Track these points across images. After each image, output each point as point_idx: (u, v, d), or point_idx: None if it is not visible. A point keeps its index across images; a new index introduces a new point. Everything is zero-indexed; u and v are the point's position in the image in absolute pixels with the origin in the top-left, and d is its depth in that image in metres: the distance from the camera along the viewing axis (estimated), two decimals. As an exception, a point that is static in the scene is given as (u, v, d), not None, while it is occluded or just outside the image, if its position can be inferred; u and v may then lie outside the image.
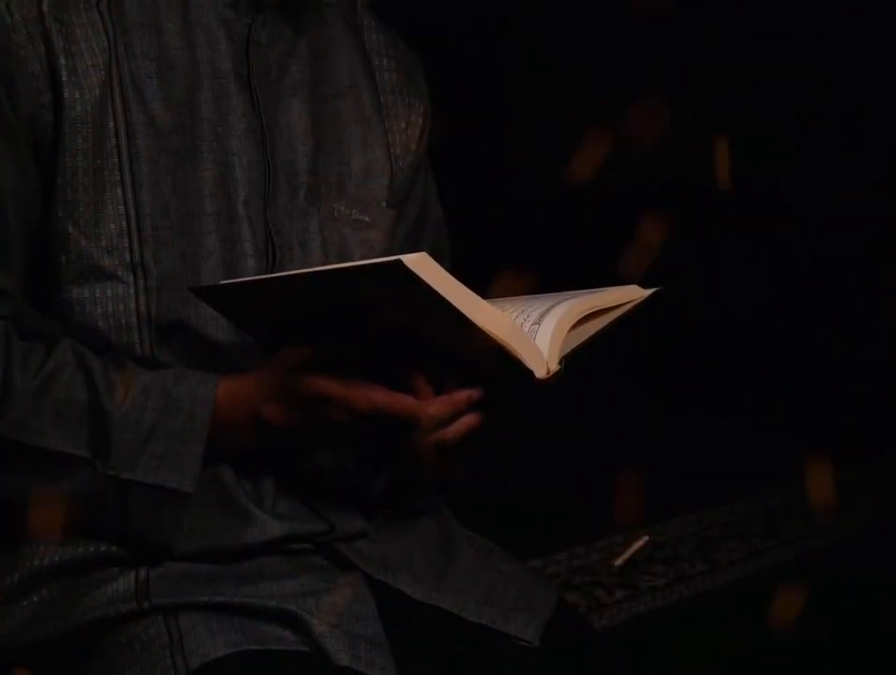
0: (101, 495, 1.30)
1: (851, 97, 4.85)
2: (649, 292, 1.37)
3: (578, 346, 1.31)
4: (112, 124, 1.33)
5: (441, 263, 1.17)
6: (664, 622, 2.93)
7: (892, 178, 4.82)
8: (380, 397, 1.25)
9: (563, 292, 1.35)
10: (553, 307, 1.30)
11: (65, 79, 1.31)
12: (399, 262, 1.13)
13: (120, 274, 1.33)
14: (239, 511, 1.37)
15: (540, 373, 1.25)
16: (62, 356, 1.31)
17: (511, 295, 1.39)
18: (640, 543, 1.28)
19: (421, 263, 1.14)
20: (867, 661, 2.71)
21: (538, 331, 1.27)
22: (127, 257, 1.33)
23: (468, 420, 1.29)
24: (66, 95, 1.31)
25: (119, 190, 1.33)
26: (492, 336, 1.21)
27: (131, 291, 1.34)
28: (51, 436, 1.29)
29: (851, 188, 4.81)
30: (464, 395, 1.27)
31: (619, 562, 1.29)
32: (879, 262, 4.81)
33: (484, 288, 1.22)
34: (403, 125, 1.53)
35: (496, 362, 1.24)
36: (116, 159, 1.33)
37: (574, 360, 1.31)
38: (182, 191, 1.36)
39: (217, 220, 1.37)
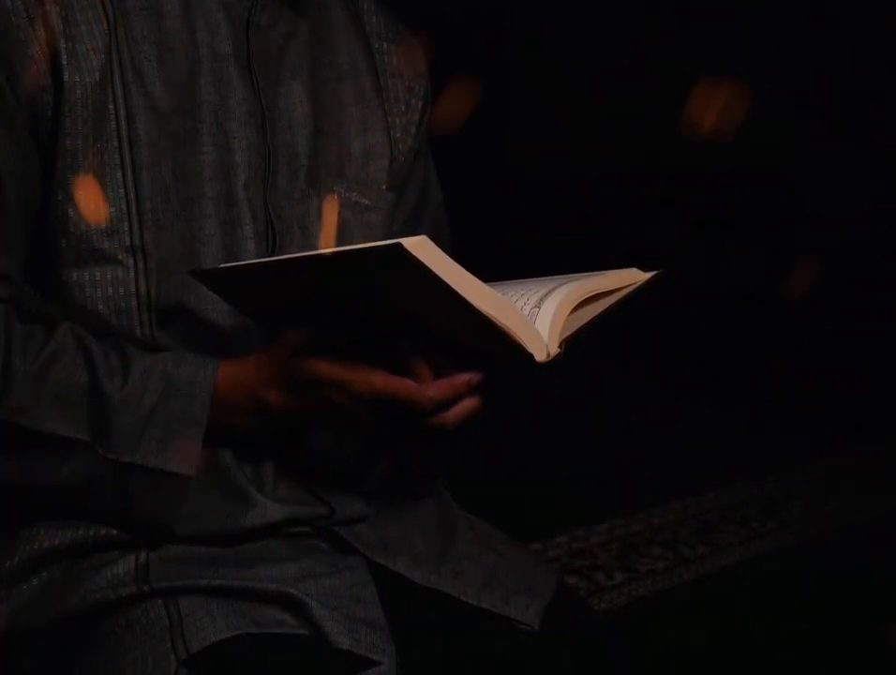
0: (101, 478, 1.30)
1: (853, 84, 4.85)
2: (648, 275, 1.37)
3: (578, 329, 1.31)
4: (112, 107, 1.33)
5: (441, 246, 1.17)
6: (664, 606, 2.94)
7: (894, 165, 4.82)
8: (380, 380, 1.25)
9: (563, 276, 1.35)
10: (553, 290, 1.30)
11: (65, 62, 1.31)
12: (399, 246, 1.12)
13: (120, 257, 1.33)
14: (239, 494, 1.37)
15: (540, 357, 1.25)
16: (62, 340, 1.31)
17: (511, 279, 1.39)
18: None
19: (421, 246, 1.14)
20: (865, 645, 2.72)
21: (538, 314, 1.27)
22: (127, 240, 1.33)
23: (467, 404, 1.29)
24: (66, 78, 1.31)
25: (119, 174, 1.33)
26: (492, 319, 1.21)
27: (131, 274, 1.34)
28: (50, 419, 1.29)
29: (853, 176, 4.81)
30: (464, 378, 1.27)
31: None
32: (880, 249, 4.81)
33: (484, 271, 1.22)
34: (403, 107, 1.53)
35: (496, 345, 1.24)
36: (116, 143, 1.33)
37: (573, 343, 1.31)
38: (182, 175, 1.36)
39: (217, 204, 1.37)
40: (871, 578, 3.01)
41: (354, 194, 1.47)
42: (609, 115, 5.13)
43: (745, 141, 4.69)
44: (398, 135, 1.52)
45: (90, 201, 1.32)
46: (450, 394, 1.27)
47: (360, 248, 1.19)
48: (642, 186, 5.18)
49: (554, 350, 1.26)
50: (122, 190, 1.33)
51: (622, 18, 5.18)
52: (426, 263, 1.14)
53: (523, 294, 1.30)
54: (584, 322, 1.32)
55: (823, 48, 4.80)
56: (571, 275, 1.36)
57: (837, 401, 4.19)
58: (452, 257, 1.18)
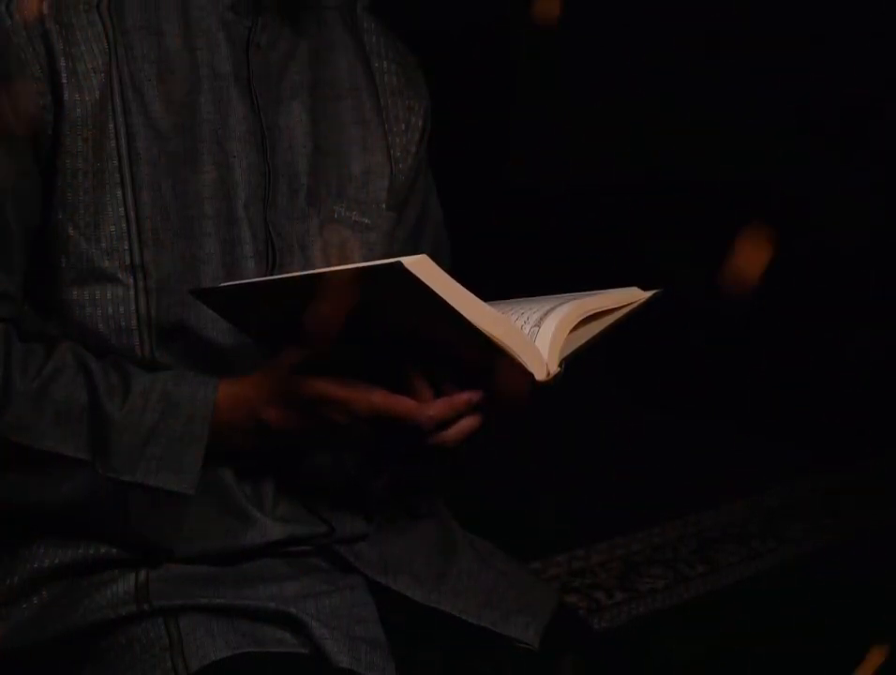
0: (101, 497, 1.30)
1: (851, 96, 4.85)
2: (649, 294, 1.37)
3: (578, 348, 1.31)
4: (112, 126, 1.33)
5: (441, 265, 1.17)
6: (664, 625, 2.93)
7: (892, 176, 4.82)
8: (380, 399, 1.25)
9: (563, 294, 1.35)
10: (553, 309, 1.30)
11: (65, 81, 1.31)
12: (399, 265, 1.13)
13: (120, 276, 1.33)
14: (239, 513, 1.37)
15: (540, 376, 1.25)
16: (62, 358, 1.31)
17: (511, 296, 1.39)
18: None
19: (421, 266, 1.14)
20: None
21: (538, 333, 1.27)
22: (127, 259, 1.33)
23: (467, 422, 1.29)
24: (66, 97, 1.31)
25: (119, 192, 1.33)
26: (492, 338, 1.21)
27: (131, 293, 1.34)
28: (50, 438, 1.29)
29: (851, 187, 4.81)
30: (463, 397, 1.27)
31: None
32: (878, 260, 4.81)
33: (484, 290, 1.22)
34: (403, 127, 1.53)
35: (496, 364, 1.24)
36: (116, 162, 1.33)
37: (572, 361, 1.31)
38: (182, 194, 1.36)
39: (217, 223, 1.37)
40: (872, 595, 3.00)
41: (354, 213, 1.47)
42: (610, 130, 5.13)
43: (745, 155, 4.70)
44: (398, 154, 1.52)
45: (90, 219, 1.32)
46: (450, 413, 1.27)
47: (360, 267, 1.19)
48: (642, 200, 5.18)
49: (554, 369, 1.26)
50: (122, 209, 1.33)
51: (623, 34, 5.19)
52: (426, 282, 1.14)
53: (523, 313, 1.30)
54: (584, 340, 1.32)
55: (822, 63, 4.81)
56: (571, 294, 1.36)
57: (837, 416, 4.18)
58: (452, 275, 1.18)
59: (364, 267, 1.18)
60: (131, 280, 1.34)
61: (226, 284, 1.30)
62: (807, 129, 4.93)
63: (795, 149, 4.89)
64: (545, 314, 1.29)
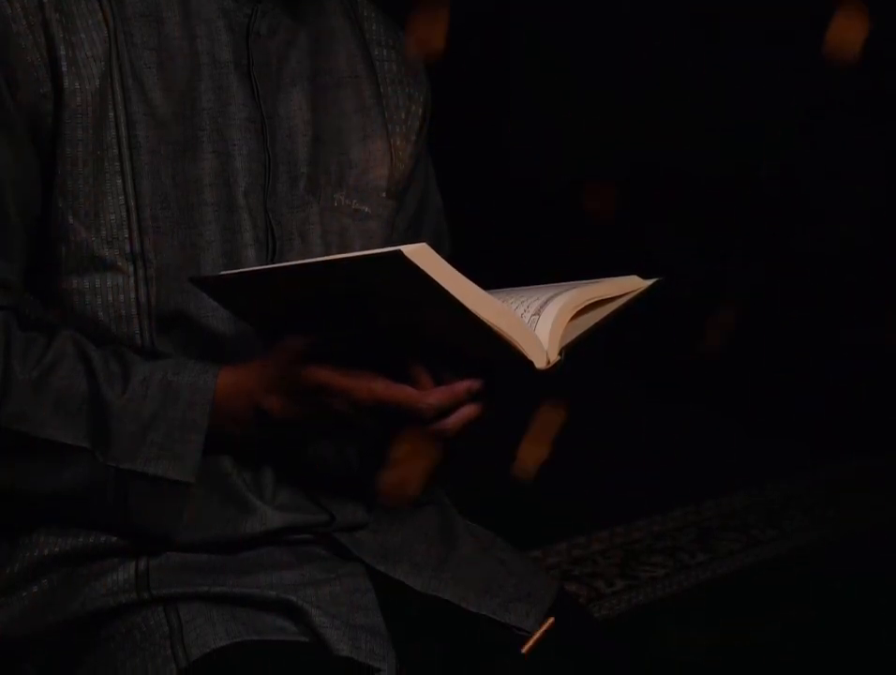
0: (101, 486, 1.30)
1: (856, 88, 4.85)
2: (648, 282, 1.37)
3: (578, 337, 1.31)
4: (112, 114, 1.33)
5: (441, 254, 1.17)
6: (664, 613, 2.94)
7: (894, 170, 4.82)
8: (381, 387, 1.25)
9: (563, 283, 1.35)
10: (553, 297, 1.30)
11: (65, 69, 1.31)
12: (400, 253, 1.12)
13: (120, 264, 1.33)
14: (239, 501, 1.37)
15: (540, 364, 1.25)
16: (62, 347, 1.31)
17: (511, 285, 1.39)
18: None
19: (421, 254, 1.14)
20: (865, 653, 2.72)
21: (538, 322, 1.27)
22: (127, 247, 1.33)
23: (467, 411, 1.29)
24: (66, 85, 1.31)
25: (119, 180, 1.33)
26: (492, 326, 1.20)
27: (131, 281, 1.34)
28: (51, 426, 1.29)
29: (855, 180, 4.81)
30: (464, 385, 1.27)
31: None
32: (883, 254, 4.81)
33: (483, 278, 1.22)
34: (403, 115, 1.53)
35: (496, 352, 1.24)
36: (116, 150, 1.33)
37: (573, 350, 1.31)
38: (182, 181, 1.36)
39: (217, 210, 1.37)
40: (870, 586, 3.01)
41: (354, 201, 1.47)
42: (610, 120, 5.13)
43: (746, 146, 4.70)
44: (398, 142, 1.52)
45: (90, 208, 1.32)
46: (450, 400, 1.27)
47: (360, 256, 1.19)
48: (642, 191, 5.18)
49: (554, 357, 1.26)
50: (122, 197, 1.33)
51: (622, 24, 5.18)
52: (426, 270, 1.14)
53: (523, 302, 1.30)
54: (584, 329, 1.32)
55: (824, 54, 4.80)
56: (571, 282, 1.35)
57: (838, 409, 4.19)
58: (452, 263, 1.18)
59: (364, 255, 1.18)
60: (131, 268, 1.34)
61: (226, 272, 1.30)
62: (810, 120, 4.93)
63: (797, 140, 4.89)
64: (546, 302, 1.29)
